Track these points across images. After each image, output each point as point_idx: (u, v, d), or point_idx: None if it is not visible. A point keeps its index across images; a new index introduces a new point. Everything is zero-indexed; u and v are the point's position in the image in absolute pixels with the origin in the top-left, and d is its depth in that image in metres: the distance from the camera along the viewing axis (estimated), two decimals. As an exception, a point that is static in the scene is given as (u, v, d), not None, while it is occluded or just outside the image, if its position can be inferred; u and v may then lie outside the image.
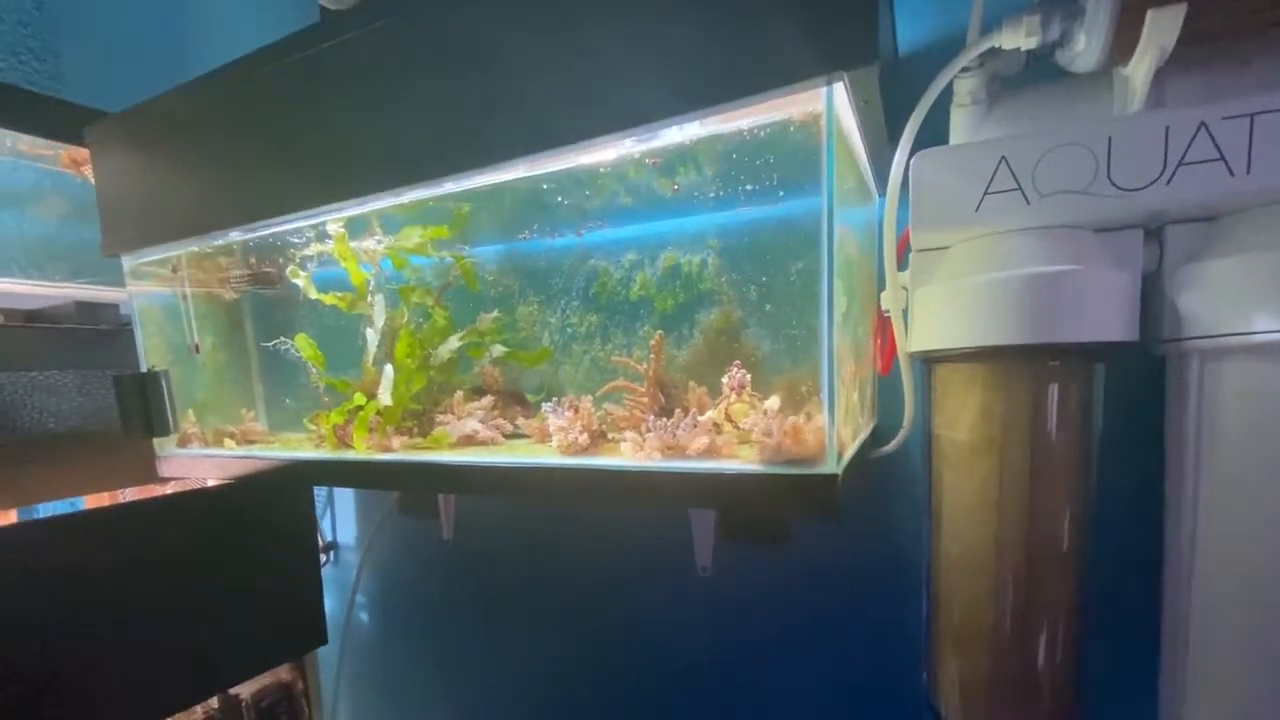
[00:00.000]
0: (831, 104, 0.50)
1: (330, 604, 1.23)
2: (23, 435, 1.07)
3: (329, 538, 1.54)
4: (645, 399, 0.82)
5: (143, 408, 0.98)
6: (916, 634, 0.91)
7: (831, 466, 0.56)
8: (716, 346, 0.88)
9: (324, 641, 1.22)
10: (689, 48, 0.52)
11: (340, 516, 1.52)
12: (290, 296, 1.01)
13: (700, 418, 0.72)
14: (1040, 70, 0.62)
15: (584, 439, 0.74)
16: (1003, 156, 0.57)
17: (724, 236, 0.84)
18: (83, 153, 1.24)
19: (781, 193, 0.75)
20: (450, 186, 0.69)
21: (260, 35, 1.22)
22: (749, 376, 0.76)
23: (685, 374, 0.87)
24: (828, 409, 0.56)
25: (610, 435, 0.82)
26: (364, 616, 1.52)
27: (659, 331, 0.80)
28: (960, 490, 0.68)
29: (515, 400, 0.96)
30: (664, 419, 0.72)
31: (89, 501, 1.24)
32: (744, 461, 0.62)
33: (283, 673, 1.38)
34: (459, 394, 0.89)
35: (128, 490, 1.24)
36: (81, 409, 1.13)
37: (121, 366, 1.13)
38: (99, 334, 1.17)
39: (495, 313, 0.92)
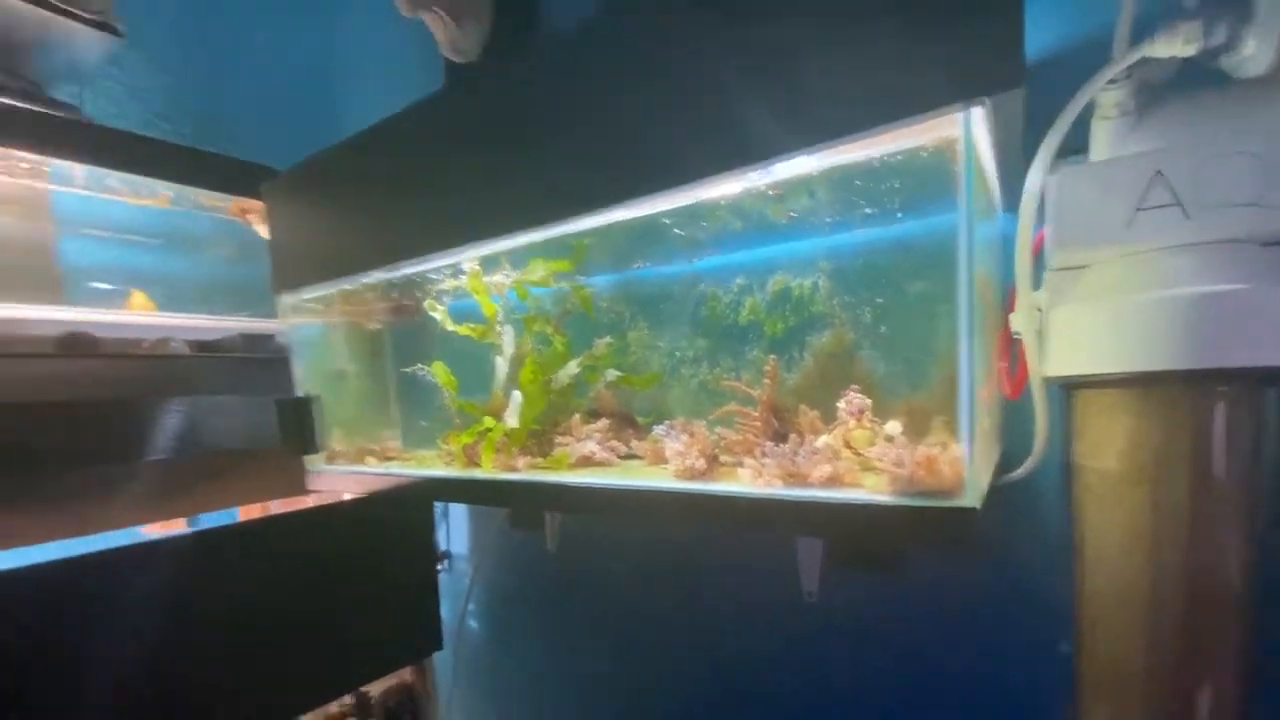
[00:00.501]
0: (970, 129, 0.50)
1: (443, 611, 1.31)
2: (198, 453, 1.23)
3: (443, 547, 1.64)
4: (758, 423, 0.83)
5: (298, 428, 1.10)
6: (1049, 673, 0.85)
7: (970, 499, 0.54)
8: (828, 369, 0.88)
9: (440, 647, 1.30)
10: (827, 79, 0.53)
11: (454, 527, 1.62)
12: (425, 326, 1.10)
13: (817, 443, 0.72)
14: (1193, 76, 0.58)
15: (701, 464, 0.76)
16: (1158, 170, 0.53)
17: (836, 259, 0.84)
18: (249, 202, 1.42)
19: (900, 214, 0.74)
20: (574, 226, 0.73)
21: (397, 87, 1.35)
22: (869, 402, 0.75)
23: (796, 397, 0.87)
24: (967, 439, 0.54)
25: (723, 459, 0.83)
26: (473, 624, 1.60)
27: (772, 356, 0.80)
28: (1108, 523, 0.63)
29: (627, 422, 0.99)
30: (778, 444, 0.72)
31: (241, 513, 1.40)
32: (870, 491, 0.62)
33: (406, 674, 1.48)
34: (576, 416, 0.94)
35: (273, 502, 1.39)
36: (245, 429, 1.28)
37: (278, 391, 1.27)
38: (260, 362, 1.32)
39: (608, 338, 0.96)
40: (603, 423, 0.93)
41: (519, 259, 0.92)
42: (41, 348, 1.12)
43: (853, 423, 0.74)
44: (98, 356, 1.15)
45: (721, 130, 0.59)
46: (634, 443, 0.94)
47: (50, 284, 1.36)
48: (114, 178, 1.28)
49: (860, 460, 0.71)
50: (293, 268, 1.05)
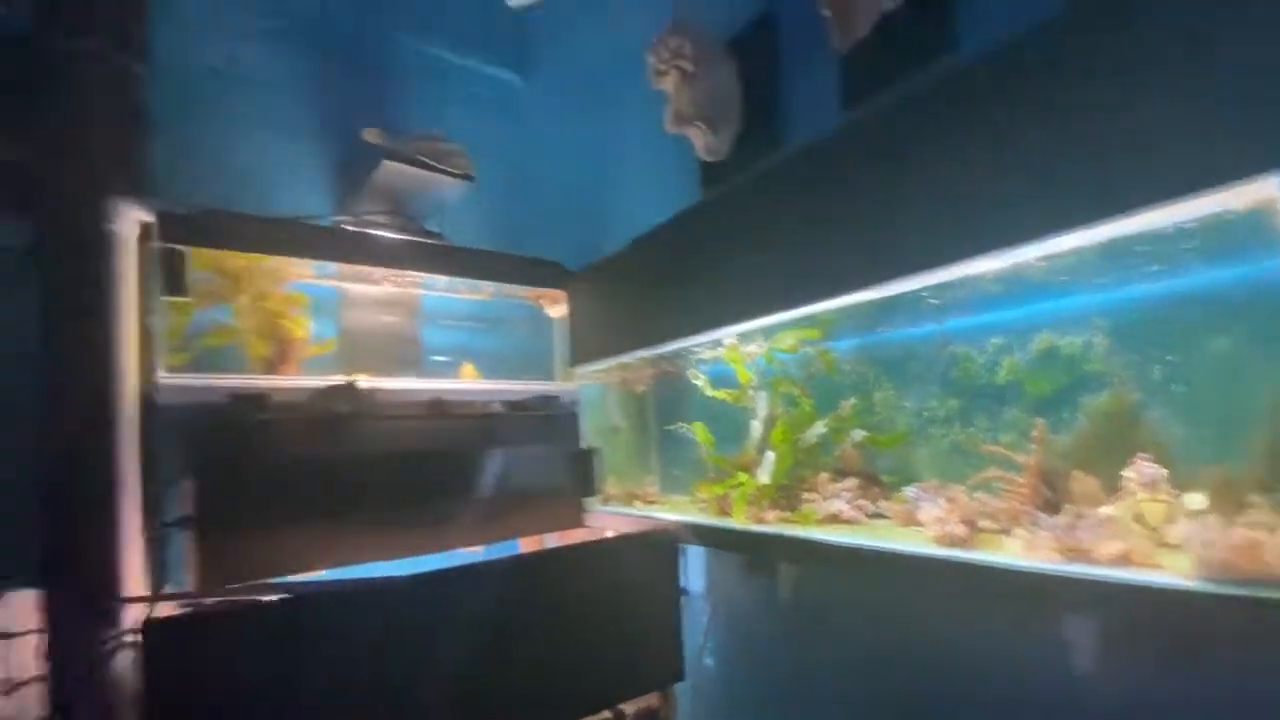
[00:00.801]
0: None
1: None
2: (508, 493, 1.55)
3: (681, 586, 1.76)
4: (1025, 490, 0.79)
5: (584, 474, 1.33)
6: None
7: (1310, 593, 0.47)
8: (1105, 432, 0.80)
9: (682, 677, 1.40)
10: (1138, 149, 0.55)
11: (690, 566, 1.73)
12: (683, 390, 1.28)
13: (1100, 515, 0.67)
14: None
15: (961, 530, 0.76)
16: None
17: (1112, 316, 0.78)
18: (544, 291, 1.79)
19: (1195, 267, 0.68)
20: (826, 305, 0.82)
21: (655, 185, 1.58)
22: (1164, 472, 0.68)
23: (1067, 463, 0.81)
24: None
25: (983, 526, 0.81)
26: (708, 660, 1.68)
27: (1039, 420, 0.77)
28: None
29: (872, 481, 1.01)
30: (1050, 514, 0.69)
31: (523, 544, 1.70)
32: (1170, 574, 0.56)
33: (653, 699, 1.62)
34: (823, 474, 1.00)
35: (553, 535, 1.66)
36: (541, 473, 1.58)
37: (566, 442, 1.55)
38: (550, 418, 1.64)
39: (854, 399, 1.01)
40: (850, 481, 0.97)
41: (770, 329, 1.03)
42: (415, 411, 1.55)
43: (1142, 494, 0.67)
44: (447, 416, 1.56)
45: (993, 210, 0.63)
46: (881, 502, 0.95)
47: (417, 362, 1.87)
48: (459, 281, 1.75)
49: (1152, 535, 0.64)
50: (587, 346, 1.32)
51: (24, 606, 1.31)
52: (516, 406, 1.68)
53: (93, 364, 1.32)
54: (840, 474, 1.01)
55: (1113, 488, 0.72)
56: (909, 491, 0.88)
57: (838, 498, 0.94)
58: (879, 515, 0.94)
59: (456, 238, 2.00)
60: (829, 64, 1.20)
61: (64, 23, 1.33)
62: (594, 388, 1.46)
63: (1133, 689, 0.83)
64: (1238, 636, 0.51)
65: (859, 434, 0.98)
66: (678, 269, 1.06)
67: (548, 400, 1.67)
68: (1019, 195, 0.62)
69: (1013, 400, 0.89)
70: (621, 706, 1.56)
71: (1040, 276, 0.82)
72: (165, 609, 1.19)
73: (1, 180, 1.38)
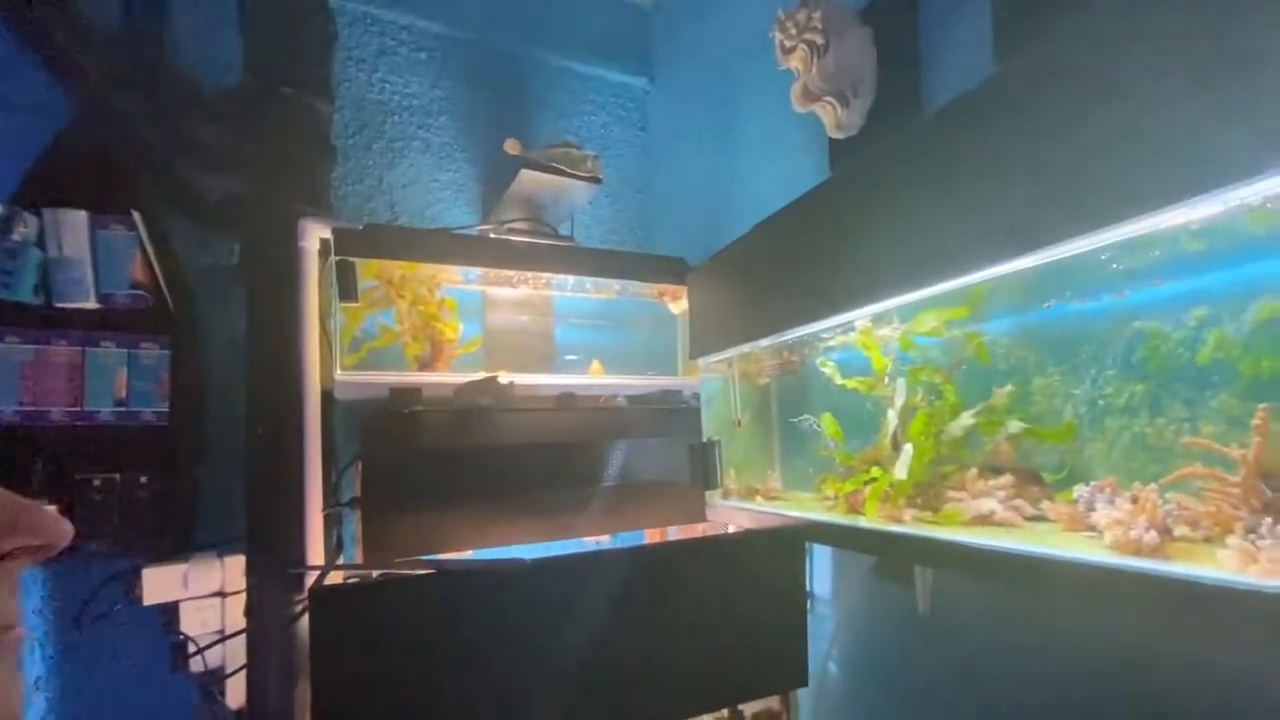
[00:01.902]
0: None
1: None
2: (630, 482, 1.58)
3: (807, 589, 1.66)
4: (1239, 490, 0.65)
5: (704, 467, 1.32)
6: None
7: None
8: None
9: (805, 683, 1.31)
10: None
11: (817, 569, 1.63)
12: (806, 380, 1.21)
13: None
14: None
15: (1151, 536, 0.63)
16: None
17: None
18: (666, 287, 1.81)
19: None
20: (973, 278, 0.73)
21: (782, 166, 1.53)
22: None
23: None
24: None
25: (1179, 533, 0.67)
26: (833, 667, 1.57)
27: (1262, 406, 0.63)
28: None
29: (1031, 480, 0.89)
30: (1276, 520, 0.56)
31: (648, 535, 1.71)
32: None
33: (773, 703, 1.55)
34: (973, 471, 0.89)
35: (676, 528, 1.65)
36: (661, 465, 1.59)
37: (686, 435, 1.55)
38: (672, 412, 1.64)
39: (1009, 386, 0.89)
40: (1006, 479, 0.85)
41: (907, 311, 0.94)
42: (547, 404, 1.63)
43: None
44: (575, 409, 1.62)
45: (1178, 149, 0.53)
46: (1044, 504, 0.83)
47: (550, 359, 1.97)
48: (588, 281, 1.82)
49: None
50: (706, 338, 1.30)
51: (236, 570, 1.56)
52: (639, 401, 1.71)
53: (286, 363, 1.55)
54: (992, 471, 0.89)
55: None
56: (1079, 491, 0.75)
57: (989, 496, 0.83)
58: (1039, 518, 0.82)
59: (586, 239, 2.08)
60: (977, 17, 1.08)
61: (269, 75, 1.58)
62: (716, 382, 1.44)
63: None
64: None
65: (1015, 425, 0.86)
66: (802, 252, 1.01)
67: (669, 395, 1.68)
68: (1221, 133, 0.51)
69: (1221, 384, 0.73)
70: (741, 708, 1.52)
71: (1259, 228, 0.67)
72: (334, 578, 1.35)
73: (219, 209, 1.67)
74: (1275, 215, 0.65)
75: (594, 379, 1.80)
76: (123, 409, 1.46)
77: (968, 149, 0.75)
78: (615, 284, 1.87)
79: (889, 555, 0.88)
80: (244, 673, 1.51)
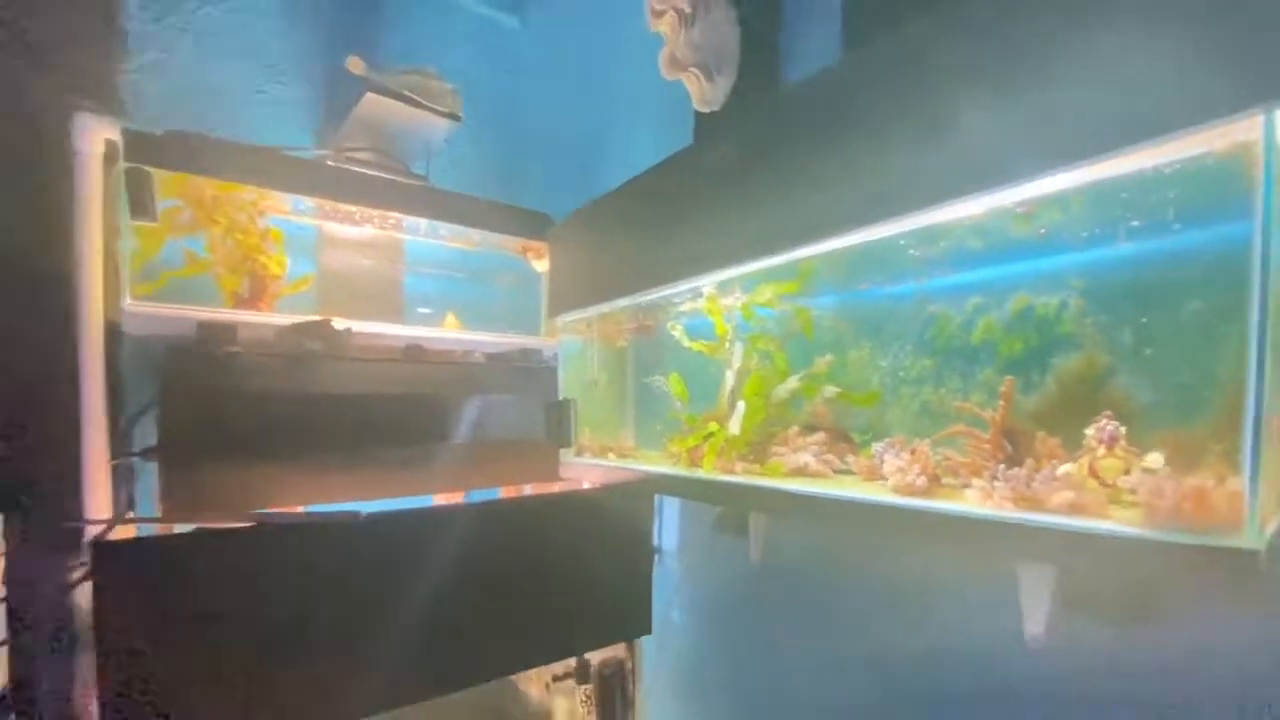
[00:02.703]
0: (1272, 132, 0.46)
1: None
2: (484, 440, 1.55)
3: (655, 543, 1.78)
4: (988, 446, 0.80)
5: (559, 425, 1.33)
6: None
7: (1251, 539, 0.48)
8: (1073, 394, 0.81)
9: (649, 631, 1.42)
10: (1106, 88, 0.53)
11: (665, 525, 1.75)
12: (660, 343, 1.27)
13: (1059, 470, 0.68)
14: None
15: (921, 481, 0.76)
16: None
17: (1092, 276, 0.78)
18: (530, 243, 1.76)
19: (1177, 226, 0.67)
20: (805, 252, 0.81)
21: (650, 137, 1.55)
22: (1123, 429, 0.68)
23: (1033, 422, 0.81)
24: (1249, 472, 0.48)
25: (945, 481, 0.81)
26: (676, 616, 1.71)
27: (1008, 377, 0.77)
28: None
29: (842, 438, 1.02)
30: (1012, 468, 0.70)
31: (503, 492, 1.70)
32: (1118, 523, 0.57)
33: (619, 650, 1.65)
34: (793, 429, 1.00)
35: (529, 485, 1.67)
36: (517, 424, 1.58)
37: (544, 395, 1.55)
38: (530, 370, 1.63)
39: (829, 356, 1.01)
40: (819, 435, 0.97)
41: (749, 283, 1.02)
42: (392, 355, 1.53)
43: (1102, 451, 0.68)
44: (426, 362, 1.54)
45: (972, 151, 0.62)
46: (849, 457, 0.96)
47: (397, 309, 1.84)
48: (443, 227, 1.71)
49: (1108, 493, 0.65)
50: (565, 296, 1.30)
51: (-12, 530, 1.29)
52: (496, 358, 1.66)
53: (52, 286, 1.28)
54: (810, 430, 1.01)
55: (1075, 448, 0.73)
56: (876, 447, 0.88)
57: (805, 451, 0.94)
58: (847, 471, 0.95)
59: (443, 182, 1.95)
60: (829, 7, 1.17)
61: (30, -76, 1.25)
62: (575, 342, 1.45)
63: (1082, 646, 0.85)
64: (1183, 584, 0.52)
65: (831, 390, 0.98)
66: (658, 218, 1.04)
67: (528, 353, 1.66)
68: (1012, 134, 0.61)
69: (986, 361, 0.89)
70: (589, 657, 1.59)
71: (1022, 233, 0.81)
72: (121, 533, 1.18)
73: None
74: (1031, 221, 0.80)
75: (447, 332, 1.72)
76: None
77: (798, 141, 0.81)
78: (475, 234, 1.78)
79: (721, 503, 0.96)
80: (3, 649, 1.27)
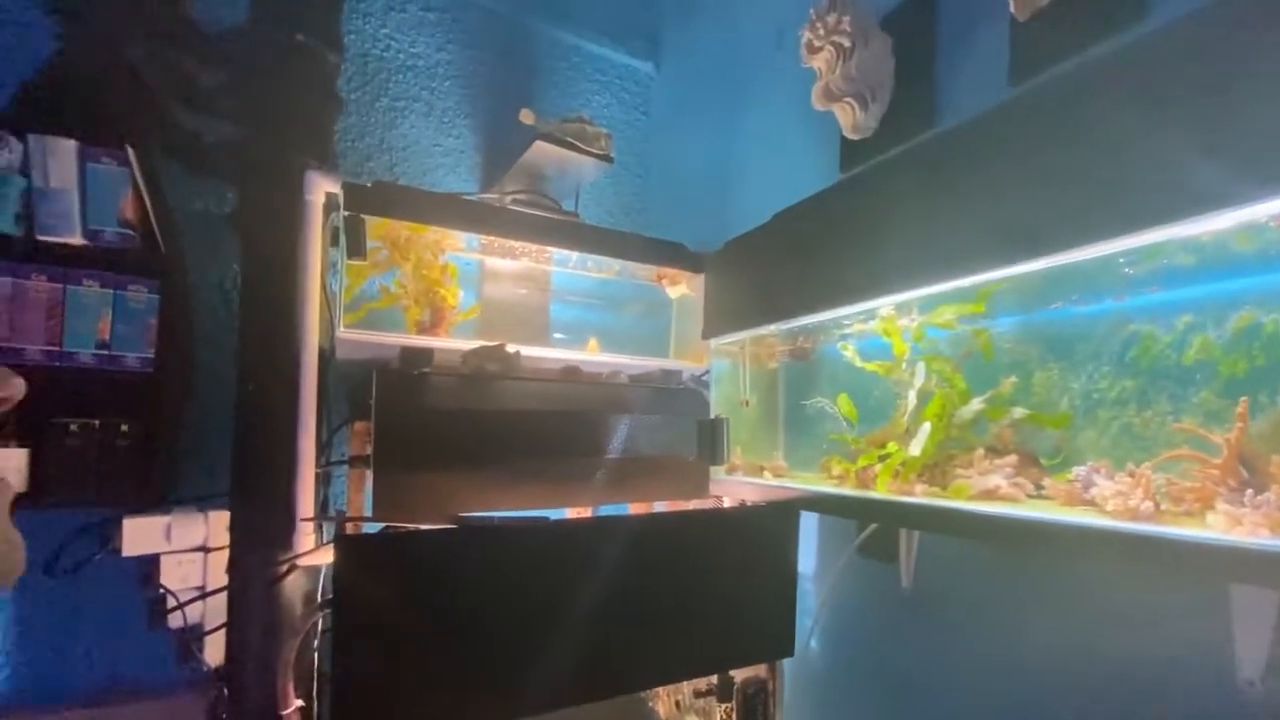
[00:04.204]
0: None
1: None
2: (631, 456, 1.63)
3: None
4: (1219, 471, 0.76)
5: (711, 443, 1.38)
6: None
7: None
8: (1315, 418, 0.75)
9: (791, 653, 1.41)
10: None
11: (802, 549, 1.73)
12: (813, 365, 1.29)
13: (1320, 497, 0.64)
14: None
15: (1147, 506, 0.74)
16: None
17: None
18: (665, 270, 1.85)
19: None
20: (993, 275, 0.82)
21: (792, 164, 1.60)
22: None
23: (1263, 447, 0.76)
24: None
25: (1165, 507, 0.78)
26: (814, 642, 1.68)
27: (1243, 397, 0.74)
28: None
29: (1030, 462, 0.99)
30: (1257, 494, 0.66)
31: (643, 508, 1.76)
32: None
33: (761, 671, 1.64)
34: (979, 451, 0.98)
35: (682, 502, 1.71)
36: (663, 441, 1.64)
37: (685, 414, 1.61)
38: (672, 391, 1.70)
39: (1013, 378, 0.99)
40: (1011, 458, 0.95)
41: (926, 305, 1.03)
42: (550, 376, 1.65)
43: (1375, 477, 0.63)
44: (581, 383, 1.65)
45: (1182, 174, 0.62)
46: (1044, 482, 0.93)
47: (544, 334, 1.98)
48: (590, 259, 1.84)
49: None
50: (721, 319, 1.36)
51: (219, 525, 1.51)
52: (638, 379, 1.75)
53: (284, 317, 1.51)
54: (995, 453, 0.99)
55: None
56: (1078, 470, 0.85)
57: (996, 473, 0.93)
58: (1041, 495, 0.92)
59: (585, 217, 2.10)
60: (993, 39, 1.18)
61: (277, 18, 1.52)
62: (724, 363, 1.50)
63: None
64: None
65: (1019, 411, 0.96)
66: (825, 242, 1.08)
67: (669, 374, 1.73)
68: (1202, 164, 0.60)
69: (1201, 382, 0.84)
70: (732, 675, 1.60)
71: (1244, 248, 0.78)
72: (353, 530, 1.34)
73: (217, 154, 1.60)
74: (1257, 237, 0.76)
75: (594, 356, 1.83)
76: (105, 353, 1.39)
77: (983, 162, 0.83)
78: (616, 264, 1.90)
79: (901, 525, 0.96)
80: (224, 631, 1.48)
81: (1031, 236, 0.78)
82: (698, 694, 1.67)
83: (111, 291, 1.40)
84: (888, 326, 1.05)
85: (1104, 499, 0.77)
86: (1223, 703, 0.83)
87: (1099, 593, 0.99)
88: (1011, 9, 1.03)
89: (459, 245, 1.72)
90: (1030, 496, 0.93)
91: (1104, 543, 0.72)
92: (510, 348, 1.53)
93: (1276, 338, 0.78)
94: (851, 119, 1.32)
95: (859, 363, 1.12)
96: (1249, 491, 0.67)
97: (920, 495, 0.98)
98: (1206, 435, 0.76)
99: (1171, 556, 0.66)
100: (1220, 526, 0.66)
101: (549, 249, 1.79)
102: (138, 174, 1.41)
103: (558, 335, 2.08)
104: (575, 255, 1.84)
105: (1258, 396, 0.79)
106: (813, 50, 1.32)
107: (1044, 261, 0.79)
